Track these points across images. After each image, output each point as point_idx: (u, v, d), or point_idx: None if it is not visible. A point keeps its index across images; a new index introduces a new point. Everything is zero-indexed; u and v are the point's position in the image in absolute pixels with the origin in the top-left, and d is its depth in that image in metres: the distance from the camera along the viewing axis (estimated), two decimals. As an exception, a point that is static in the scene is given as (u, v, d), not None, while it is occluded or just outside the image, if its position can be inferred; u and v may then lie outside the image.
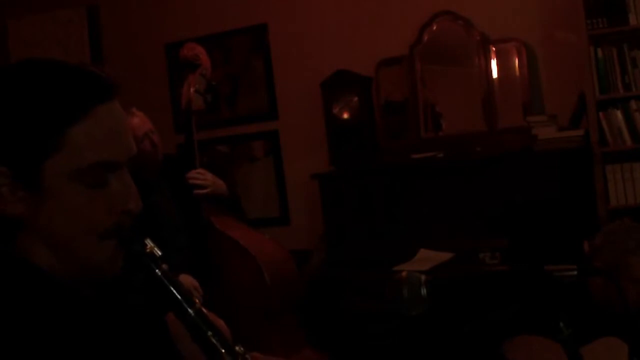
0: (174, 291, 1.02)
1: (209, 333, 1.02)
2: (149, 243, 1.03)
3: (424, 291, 1.16)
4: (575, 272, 1.07)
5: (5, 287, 0.98)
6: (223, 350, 1.01)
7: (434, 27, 4.11)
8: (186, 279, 2.94)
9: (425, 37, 4.12)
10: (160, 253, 1.03)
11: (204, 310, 1.03)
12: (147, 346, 1.08)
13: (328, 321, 3.61)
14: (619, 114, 3.61)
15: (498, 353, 1.74)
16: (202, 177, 3.06)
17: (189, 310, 1.02)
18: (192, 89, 3.13)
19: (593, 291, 2.17)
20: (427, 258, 3.57)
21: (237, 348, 1.04)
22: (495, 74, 3.97)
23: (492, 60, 3.96)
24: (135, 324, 1.09)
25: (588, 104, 3.63)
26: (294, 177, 4.55)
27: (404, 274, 1.19)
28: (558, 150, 3.59)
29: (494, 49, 3.96)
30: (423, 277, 1.18)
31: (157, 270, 1.02)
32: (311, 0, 4.48)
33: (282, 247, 3.25)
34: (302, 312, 3.22)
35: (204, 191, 3.04)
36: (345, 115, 4.20)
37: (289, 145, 4.61)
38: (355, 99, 4.19)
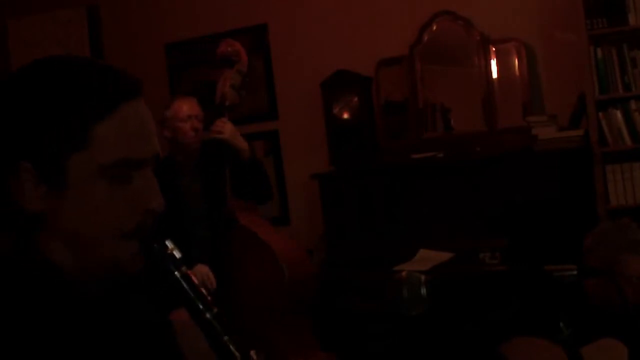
0: (192, 294, 1.01)
1: (226, 338, 1.01)
2: (170, 244, 1.02)
3: (423, 291, 1.16)
4: (575, 272, 1.08)
5: (16, 284, 0.98)
6: (239, 355, 1.01)
7: (434, 27, 4.11)
8: (202, 269, 2.99)
9: (425, 37, 4.12)
10: (180, 255, 1.02)
11: (222, 313, 1.02)
12: (149, 347, 1.08)
13: (328, 321, 3.62)
14: (618, 114, 3.61)
15: (497, 353, 1.74)
16: (221, 124, 3.15)
17: (207, 313, 1.01)
18: (228, 84, 3.20)
19: (589, 291, 2.17)
20: (427, 258, 3.57)
21: (252, 353, 1.03)
22: (495, 74, 3.97)
23: (492, 60, 3.97)
24: (139, 324, 1.08)
25: (588, 104, 3.63)
26: (294, 177, 4.55)
27: (403, 274, 1.19)
28: (558, 151, 3.59)
29: (494, 49, 3.96)
30: (423, 277, 1.18)
31: (176, 272, 1.01)
32: (311, 0, 4.48)
33: (301, 247, 3.29)
34: (315, 314, 3.24)
35: (222, 135, 3.12)
36: (345, 115, 4.20)
37: (289, 145, 4.61)
38: (355, 99, 4.19)
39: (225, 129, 3.13)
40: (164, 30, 4.81)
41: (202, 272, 2.99)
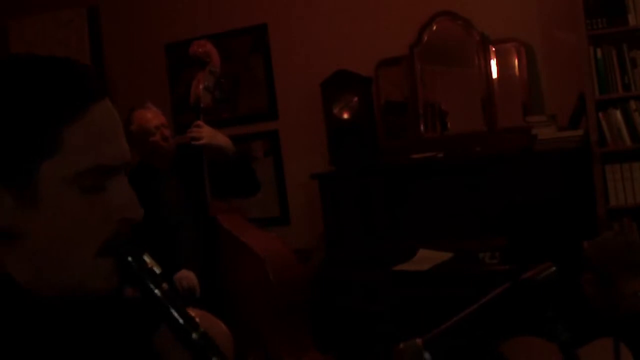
0: (175, 314, 0.92)
1: (214, 359, 0.93)
2: (148, 259, 0.93)
3: (427, 356, 1.13)
4: (553, 269, 1.06)
5: None
6: None
7: (434, 27, 4.11)
8: (187, 275, 2.93)
9: (425, 37, 4.12)
10: (159, 270, 0.94)
11: (207, 334, 0.94)
12: None
13: (328, 321, 3.62)
14: (618, 114, 3.61)
15: (496, 353, 1.74)
16: (197, 129, 3.03)
17: (193, 334, 0.92)
18: (200, 86, 3.14)
19: (589, 296, 2.18)
20: (427, 258, 3.58)
21: None
22: (495, 74, 3.97)
23: (492, 61, 3.97)
24: (119, 341, 1.01)
25: (587, 104, 3.63)
26: (294, 177, 4.55)
27: (401, 346, 1.16)
28: (558, 151, 3.59)
29: (493, 49, 3.97)
30: (420, 341, 1.15)
31: (156, 291, 0.93)
32: (311, 0, 4.48)
33: (288, 248, 3.25)
34: (307, 313, 3.22)
35: (200, 142, 3.01)
36: (345, 115, 4.20)
37: (289, 145, 4.61)
38: (355, 99, 4.19)
39: (203, 133, 3.03)
40: (164, 30, 4.82)
41: (187, 278, 2.92)
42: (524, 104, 3.94)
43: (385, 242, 3.79)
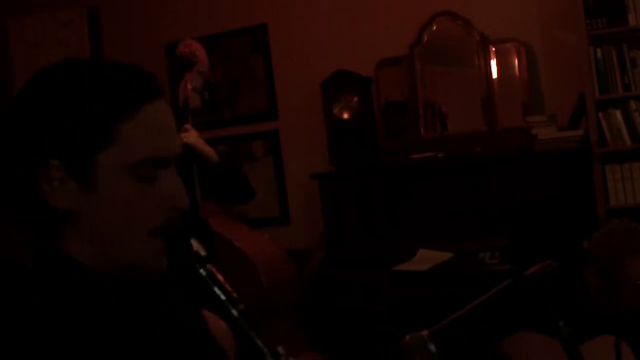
0: (218, 292, 1.03)
1: (253, 334, 1.03)
2: (194, 243, 1.04)
3: (432, 347, 1.14)
4: (554, 266, 1.07)
5: (46, 282, 0.99)
6: (266, 351, 1.03)
7: (434, 27, 4.11)
8: None
9: (425, 37, 4.12)
10: (205, 253, 1.04)
11: (246, 311, 1.04)
12: (190, 342, 1.09)
13: (328, 321, 3.62)
14: (618, 114, 3.61)
15: (498, 349, 1.74)
16: (184, 135, 2.96)
17: (233, 311, 1.03)
18: (189, 87, 3.11)
19: (591, 292, 2.18)
20: (427, 258, 3.58)
21: (279, 349, 1.05)
22: (495, 74, 3.97)
23: (492, 61, 3.97)
24: (176, 319, 1.10)
25: (587, 104, 3.63)
26: (294, 177, 4.55)
27: (407, 338, 1.17)
28: (558, 151, 3.59)
29: (493, 49, 3.97)
30: (425, 333, 1.17)
31: (201, 270, 1.03)
32: (311, 0, 4.48)
33: (280, 248, 3.23)
34: (302, 314, 3.21)
35: (184, 140, 2.89)
36: (345, 115, 4.20)
37: (289, 145, 4.61)
38: (355, 99, 4.19)
39: (189, 135, 2.97)
40: (164, 30, 4.81)
41: None
42: (524, 104, 3.94)
43: (385, 242, 3.78)
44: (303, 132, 4.49)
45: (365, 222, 3.94)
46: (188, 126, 3.02)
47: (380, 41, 4.24)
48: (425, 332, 1.15)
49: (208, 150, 3.04)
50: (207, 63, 3.16)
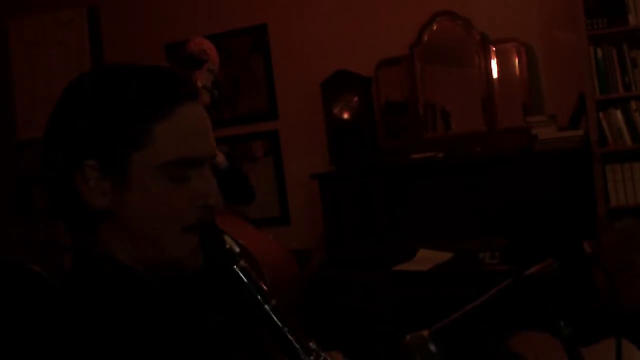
0: (251, 287, 1.05)
1: (286, 329, 1.05)
2: (228, 239, 1.08)
3: (432, 347, 1.15)
4: (555, 265, 1.07)
5: (86, 280, 1.02)
6: (298, 346, 1.04)
7: (434, 27, 4.11)
8: None
9: (425, 37, 4.12)
10: (238, 249, 1.07)
11: (278, 306, 1.07)
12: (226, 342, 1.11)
13: (327, 321, 3.61)
14: (618, 114, 3.61)
15: (503, 347, 1.74)
16: None
17: (265, 306, 1.05)
18: (199, 84, 3.10)
19: (600, 291, 2.17)
20: (427, 258, 3.57)
21: (311, 344, 1.07)
22: (495, 74, 3.97)
23: (492, 60, 3.97)
24: (208, 313, 1.12)
25: (588, 104, 3.63)
26: (294, 177, 4.55)
27: (407, 338, 1.18)
28: (558, 151, 3.59)
29: (494, 49, 3.97)
30: (426, 333, 1.17)
31: (235, 267, 1.06)
32: (311, 0, 4.48)
33: (284, 248, 3.24)
34: (302, 314, 3.21)
35: None
36: (345, 115, 4.20)
37: (289, 145, 4.61)
38: (355, 99, 4.19)
39: None
40: (164, 30, 4.81)
41: None
42: (524, 104, 3.94)
43: (385, 242, 3.78)
44: (303, 132, 4.49)
45: (365, 222, 3.94)
46: None
47: (380, 41, 4.24)
48: (425, 332, 1.15)
49: (218, 157, 3.06)
50: (217, 61, 3.17)
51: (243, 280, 1.06)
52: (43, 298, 0.98)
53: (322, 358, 1.06)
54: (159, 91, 1.05)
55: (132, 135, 1.03)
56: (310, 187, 4.26)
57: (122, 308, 1.00)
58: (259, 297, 1.05)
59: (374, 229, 3.90)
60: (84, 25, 4.99)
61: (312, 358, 1.05)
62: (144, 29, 4.90)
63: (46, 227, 4.46)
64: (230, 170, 3.14)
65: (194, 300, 1.11)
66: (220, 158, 3.07)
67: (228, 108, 4.73)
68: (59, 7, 5.01)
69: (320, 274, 3.83)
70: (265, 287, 1.06)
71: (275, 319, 1.05)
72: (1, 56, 5.07)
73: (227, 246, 1.07)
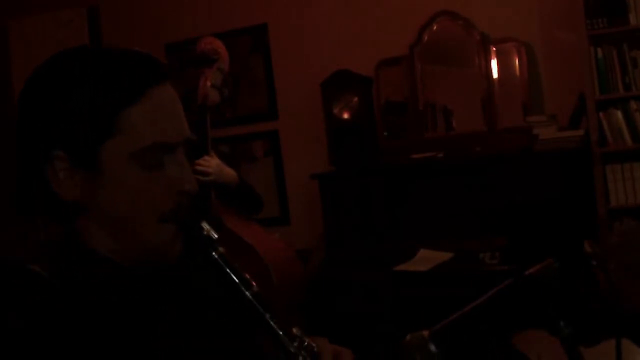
0: (231, 274, 1.02)
1: (267, 315, 1.02)
2: (205, 226, 1.02)
3: (432, 347, 1.14)
4: (556, 265, 1.07)
5: (65, 271, 1.00)
6: (281, 333, 1.02)
7: (434, 27, 4.11)
8: None
9: (425, 37, 4.12)
10: (216, 236, 1.03)
11: (261, 293, 1.04)
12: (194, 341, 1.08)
13: (328, 321, 3.61)
14: (619, 114, 3.61)
15: (507, 344, 1.73)
16: (206, 164, 2.95)
17: (246, 292, 1.02)
18: (208, 84, 3.08)
19: (601, 291, 2.17)
20: (427, 258, 3.57)
21: (294, 330, 1.04)
22: (495, 74, 3.97)
23: (492, 60, 3.97)
24: (201, 302, 1.10)
25: (588, 104, 3.63)
26: (294, 177, 4.55)
27: (408, 338, 1.17)
28: (558, 151, 3.59)
29: (494, 49, 3.96)
30: (426, 333, 1.16)
31: (213, 253, 1.02)
32: (311, 0, 4.48)
33: (290, 248, 3.24)
34: (302, 313, 3.21)
35: (206, 178, 2.92)
36: (345, 115, 4.20)
37: (289, 145, 4.61)
38: (355, 99, 4.19)
39: (210, 169, 2.94)
40: (164, 30, 4.81)
41: None
42: (524, 104, 3.94)
43: (385, 242, 3.78)
44: (303, 132, 4.49)
45: (365, 222, 3.93)
46: (208, 157, 2.98)
47: (380, 41, 4.24)
48: (425, 332, 1.14)
49: (229, 178, 3.02)
50: (228, 60, 3.17)
51: (222, 266, 1.02)
52: (43, 298, 0.96)
53: (305, 343, 1.03)
54: (127, 74, 1.01)
55: (101, 123, 0.98)
56: (310, 187, 4.26)
57: (122, 308, 0.98)
58: (240, 285, 1.02)
59: (374, 229, 3.90)
60: (84, 25, 4.99)
61: (295, 344, 1.02)
62: (144, 29, 4.90)
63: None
64: (242, 186, 3.13)
65: (181, 292, 1.08)
66: (232, 176, 3.05)
67: (228, 108, 4.73)
68: (59, 7, 5.01)
69: (320, 274, 3.82)
70: (246, 275, 1.03)
71: (257, 305, 1.02)
72: (1, 56, 5.07)
73: (205, 232, 1.02)
